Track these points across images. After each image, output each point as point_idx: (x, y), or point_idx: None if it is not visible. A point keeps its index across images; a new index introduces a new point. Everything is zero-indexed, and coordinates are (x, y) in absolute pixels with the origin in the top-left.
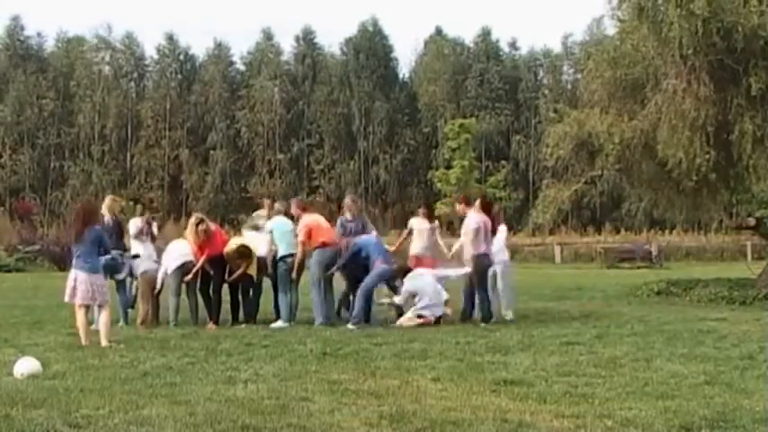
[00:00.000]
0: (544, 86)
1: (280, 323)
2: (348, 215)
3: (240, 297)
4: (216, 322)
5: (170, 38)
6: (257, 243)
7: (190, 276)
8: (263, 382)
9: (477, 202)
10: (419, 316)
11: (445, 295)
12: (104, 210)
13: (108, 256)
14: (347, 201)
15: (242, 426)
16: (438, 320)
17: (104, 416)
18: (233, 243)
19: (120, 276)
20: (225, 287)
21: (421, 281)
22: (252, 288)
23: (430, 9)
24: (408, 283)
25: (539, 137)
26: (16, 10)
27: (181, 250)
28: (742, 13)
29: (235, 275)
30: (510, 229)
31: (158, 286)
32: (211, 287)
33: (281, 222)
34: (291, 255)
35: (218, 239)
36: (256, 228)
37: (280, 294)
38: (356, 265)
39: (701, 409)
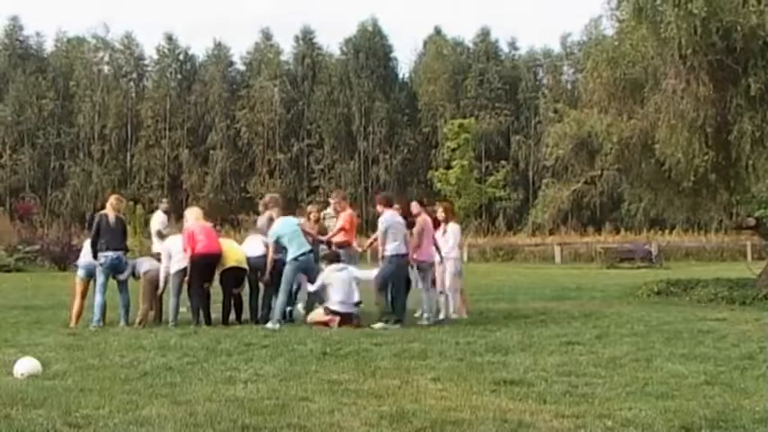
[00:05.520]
0: (544, 86)
1: (270, 324)
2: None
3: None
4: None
5: (169, 38)
6: (249, 245)
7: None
8: (263, 382)
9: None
10: (331, 312)
11: (357, 297)
12: (108, 209)
13: (113, 255)
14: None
15: (242, 426)
16: (344, 321)
17: (104, 416)
18: (226, 247)
19: (123, 277)
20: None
21: (335, 276)
22: (250, 289)
23: (429, 9)
24: (322, 275)
25: (539, 137)
26: (15, 10)
27: (183, 252)
28: (741, 12)
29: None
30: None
31: (162, 285)
32: (192, 288)
33: (286, 224)
34: (303, 254)
35: (212, 239)
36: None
37: (281, 294)
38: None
39: (700, 409)
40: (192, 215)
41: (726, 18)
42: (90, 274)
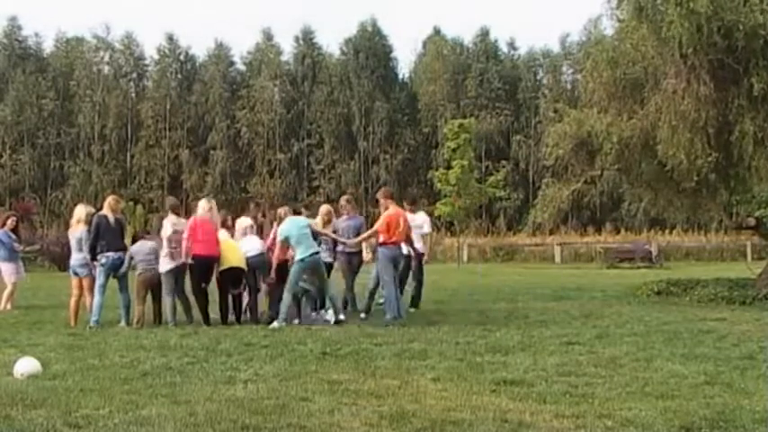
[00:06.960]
0: (544, 86)
1: (275, 323)
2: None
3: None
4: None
5: (170, 38)
6: (245, 243)
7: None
8: (263, 382)
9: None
10: None
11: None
12: (106, 209)
13: (115, 256)
14: (342, 202)
15: (242, 426)
16: None
17: (104, 416)
18: (225, 248)
19: (121, 271)
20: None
21: None
22: (249, 289)
23: (428, 9)
24: None
25: (539, 137)
26: (14, 10)
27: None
28: (743, 11)
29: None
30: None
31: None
32: (193, 287)
33: (295, 224)
34: (311, 255)
35: (212, 241)
36: None
37: (285, 294)
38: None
39: (701, 409)
40: (206, 206)
41: (727, 17)
42: (75, 273)
